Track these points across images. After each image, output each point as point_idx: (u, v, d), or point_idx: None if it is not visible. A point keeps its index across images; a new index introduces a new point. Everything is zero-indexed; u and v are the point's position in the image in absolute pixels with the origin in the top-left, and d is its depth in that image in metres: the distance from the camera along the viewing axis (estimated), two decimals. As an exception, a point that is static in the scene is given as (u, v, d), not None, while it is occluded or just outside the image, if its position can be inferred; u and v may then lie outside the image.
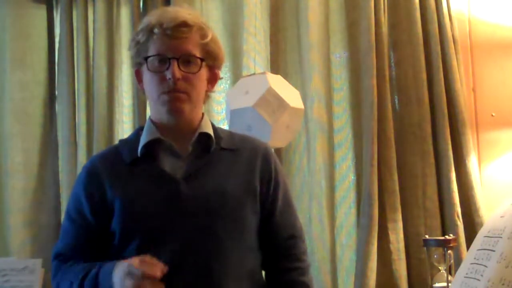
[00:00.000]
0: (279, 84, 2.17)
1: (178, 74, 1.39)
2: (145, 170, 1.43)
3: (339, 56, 2.62)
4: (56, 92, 2.84)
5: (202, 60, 1.43)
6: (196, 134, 1.46)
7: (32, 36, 2.82)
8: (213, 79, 1.51)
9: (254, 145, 1.54)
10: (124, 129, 2.74)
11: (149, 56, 1.42)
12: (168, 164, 1.43)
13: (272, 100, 2.08)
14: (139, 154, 1.44)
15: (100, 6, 2.74)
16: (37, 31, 2.84)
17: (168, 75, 1.39)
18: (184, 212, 1.38)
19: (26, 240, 2.70)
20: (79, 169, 2.62)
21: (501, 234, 1.59)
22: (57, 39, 2.84)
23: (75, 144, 2.71)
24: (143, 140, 1.45)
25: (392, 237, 2.40)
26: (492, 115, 2.50)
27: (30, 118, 2.78)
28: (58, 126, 2.79)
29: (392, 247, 2.39)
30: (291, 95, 2.17)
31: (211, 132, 1.48)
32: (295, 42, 2.62)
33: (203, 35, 1.44)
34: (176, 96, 1.40)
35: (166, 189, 1.40)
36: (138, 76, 1.50)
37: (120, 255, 1.37)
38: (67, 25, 2.75)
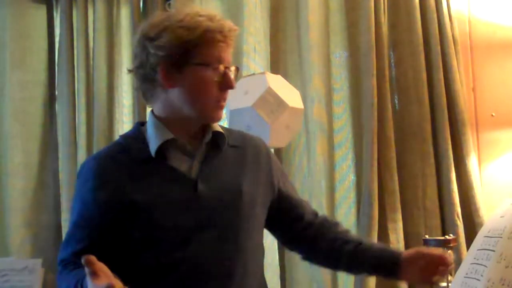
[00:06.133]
0: (279, 84, 2.17)
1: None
2: (158, 170, 1.39)
3: (339, 56, 2.61)
4: (56, 92, 2.84)
5: (237, 69, 1.46)
6: (210, 133, 1.45)
7: (32, 36, 2.82)
8: None
9: (254, 141, 1.56)
10: (124, 129, 2.74)
11: (209, 63, 1.38)
12: (180, 163, 1.41)
13: (271, 100, 2.08)
14: (153, 154, 1.40)
15: (100, 6, 2.74)
16: (37, 31, 2.84)
17: (229, 84, 1.40)
18: (204, 212, 1.38)
19: (26, 240, 2.70)
20: (79, 169, 2.66)
21: (501, 234, 1.58)
22: (57, 39, 2.84)
23: (75, 144, 2.71)
24: (155, 140, 1.41)
25: (392, 237, 2.39)
26: (492, 115, 2.50)
27: (30, 118, 2.78)
28: (58, 126, 2.79)
29: (392, 247, 2.39)
30: (290, 95, 2.17)
31: (221, 130, 1.48)
32: (295, 42, 2.62)
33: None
34: (222, 107, 1.43)
35: (184, 190, 1.38)
36: (167, 73, 1.39)
37: (140, 259, 1.37)
38: (67, 25, 2.75)
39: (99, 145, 2.66)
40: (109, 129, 2.72)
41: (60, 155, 2.76)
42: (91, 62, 2.74)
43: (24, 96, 2.78)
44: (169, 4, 2.63)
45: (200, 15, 1.39)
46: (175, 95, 1.41)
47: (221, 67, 1.39)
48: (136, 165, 1.40)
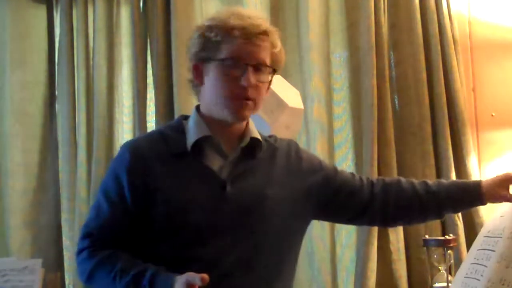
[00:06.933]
0: (279, 84, 2.17)
1: (254, 81, 1.40)
2: (191, 165, 1.42)
3: (339, 56, 2.62)
4: (56, 92, 2.85)
5: (274, 70, 1.46)
6: (247, 138, 1.47)
7: (32, 36, 2.82)
8: (269, 85, 1.53)
9: (283, 146, 1.56)
10: (124, 129, 2.74)
11: (224, 58, 1.40)
12: (214, 162, 1.44)
13: (271, 100, 2.08)
14: (189, 149, 1.42)
15: (100, 6, 2.74)
16: (37, 31, 2.84)
17: (244, 81, 1.39)
18: (227, 213, 1.40)
19: (26, 240, 2.70)
20: (79, 169, 2.66)
21: (501, 234, 1.58)
22: (57, 39, 2.84)
23: (75, 144, 2.71)
24: (193, 135, 1.44)
25: (392, 237, 2.40)
26: (492, 115, 2.50)
27: (30, 118, 2.78)
28: (58, 126, 2.79)
29: (392, 247, 2.39)
30: (290, 95, 2.17)
31: (259, 137, 1.49)
32: (295, 42, 2.62)
33: (275, 45, 1.45)
34: (245, 105, 1.42)
35: (212, 189, 1.40)
36: (197, 70, 1.47)
37: (159, 248, 1.38)
38: (67, 25, 2.75)
39: (99, 145, 2.66)
40: (109, 129, 2.72)
41: (60, 155, 2.76)
42: (91, 62, 2.74)
43: (24, 96, 2.78)
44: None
45: (232, 13, 1.42)
46: (204, 91, 1.46)
47: (241, 64, 1.40)
48: (171, 157, 1.43)
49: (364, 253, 2.34)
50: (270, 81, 1.51)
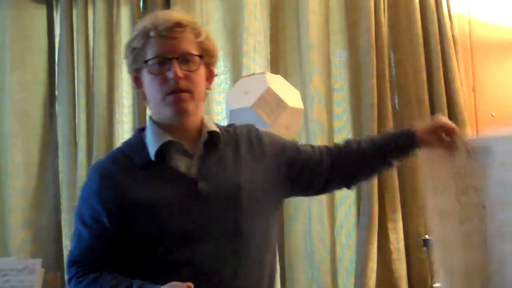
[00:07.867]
0: (279, 84, 2.17)
1: (180, 73, 1.40)
2: (160, 172, 1.43)
3: (339, 56, 2.62)
4: (56, 92, 2.84)
5: (200, 57, 1.45)
6: (205, 133, 1.47)
7: (32, 37, 2.82)
8: (210, 77, 1.53)
9: (244, 131, 1.57)
10: (124, 129, 2.74)
11: (148, 60, 1.42)
12: (181, 164, 1.44)
13: (271, 100, 2.08)
14: (152, 158, 1.43)
15: (100, 6, 2.74)
16: (37, 31, 2.84)
17: (170, 75, 1.40)
18: (206, 208, 1.40)
19: (26, 240, 2.70)
20: (79, 169, 2.66)
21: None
22: (57, 39, 2.84)
23: (75, 144, 2.71)
24: (153, 143, 1.45)
25: (392, 237, 2.40)
26: (492, 115, 2.50)
27: (30, 118, 2.78)
28: (58, 126, 2.79)
29: (392, 247, 2.39)
30: (290, 95, 2.17)
31: (217, 129, 1.50)
32: (295, 42, 2.62)
33: (198, 34, 1.46)
34: (180, 97, 1.42)
35: (185, 189, 1.41)
36: (137, 82, 1.50)
37: (149, 258, 1.39)
38: (67, 25, 2.75)
39: (99, 145, 2.66)
40: (109, 129, 2.72)
41: (60, 155, 2.76)
42: (91, 62, 2.74)
43: (24, 96, 2.78)
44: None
45: (148, 17, 1.45)
46: (148, 99, 1.48)
47: (164, 60, 1.41)
48: (138, 170, 1.43)
49: (364, 253, 2.34)
50: (212, 71, 1.52)
